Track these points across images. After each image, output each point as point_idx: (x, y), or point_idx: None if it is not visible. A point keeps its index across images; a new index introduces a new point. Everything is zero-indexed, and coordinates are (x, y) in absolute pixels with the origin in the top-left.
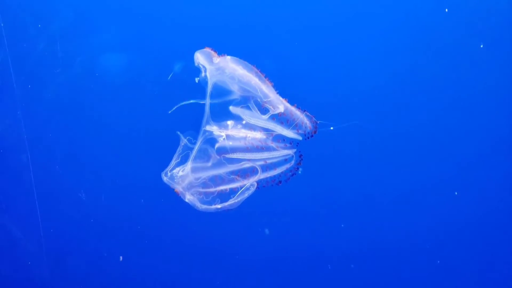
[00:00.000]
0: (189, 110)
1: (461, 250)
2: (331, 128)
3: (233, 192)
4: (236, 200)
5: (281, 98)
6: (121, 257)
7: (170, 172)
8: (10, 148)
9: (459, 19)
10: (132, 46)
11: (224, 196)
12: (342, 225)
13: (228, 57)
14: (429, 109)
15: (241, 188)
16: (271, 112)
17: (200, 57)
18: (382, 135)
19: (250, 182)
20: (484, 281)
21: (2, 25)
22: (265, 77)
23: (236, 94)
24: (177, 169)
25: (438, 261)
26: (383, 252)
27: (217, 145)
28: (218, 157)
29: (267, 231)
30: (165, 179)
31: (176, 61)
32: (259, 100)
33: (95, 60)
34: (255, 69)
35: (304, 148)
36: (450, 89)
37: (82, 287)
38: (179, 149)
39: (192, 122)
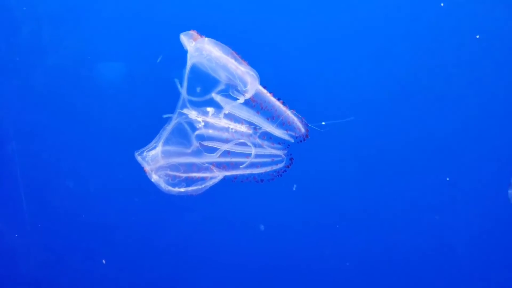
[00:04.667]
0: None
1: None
2: (323, 123)
3: (202, 179)
4: (201, 187)
5: (264, 91)
6: (103, 261)
7: (146, 152)
8: None
9: (460, 16)
10: (125, 31)
11: (190, 181)
12: (337, 226)
13: (206, 39)
14: (435, 112)
15: (211, 177)
16: (246, 97)
17: (183, 39)
18: (378, 136)
19: (224, 175)
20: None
21: None
22: (243, 60)
23: (221, 81)
24: (153, 150)
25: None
26: (382, 252)
27: (196, 132)
28: (195, 143)
29: (262, 227)
30: (138, 158)
31: (168, 50)
32: (239, 88)
33: (83, 45)
34: (233, 52)
35: (297, 147)
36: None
37: (72, 282)
38: (161, 131)
39: None
